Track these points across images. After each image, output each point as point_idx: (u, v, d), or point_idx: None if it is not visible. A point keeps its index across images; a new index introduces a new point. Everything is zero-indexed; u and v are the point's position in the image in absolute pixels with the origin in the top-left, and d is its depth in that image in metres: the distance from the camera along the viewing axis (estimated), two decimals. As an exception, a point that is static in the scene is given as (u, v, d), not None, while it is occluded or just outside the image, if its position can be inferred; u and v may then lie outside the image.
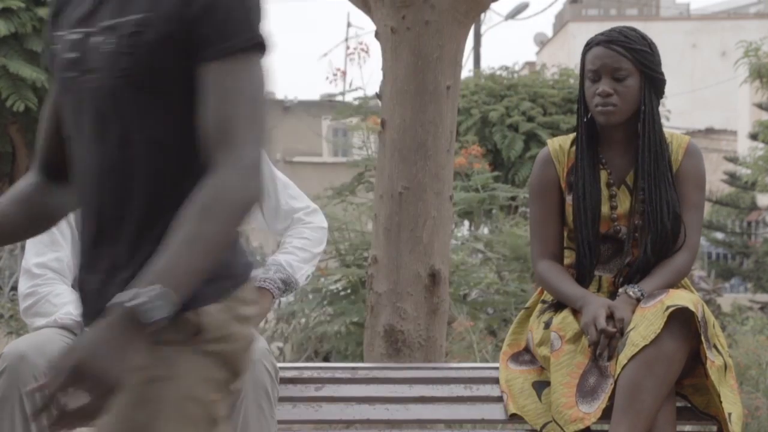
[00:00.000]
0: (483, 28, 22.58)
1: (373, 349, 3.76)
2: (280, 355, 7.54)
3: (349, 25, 27.66)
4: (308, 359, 7.41)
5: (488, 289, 7.50)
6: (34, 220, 1.98)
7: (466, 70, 19.88)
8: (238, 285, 1.77)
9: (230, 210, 1.65)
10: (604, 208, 3.07)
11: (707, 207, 16.09)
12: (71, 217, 2.95)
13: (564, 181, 3.12)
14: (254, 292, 1.82)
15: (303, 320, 7.70)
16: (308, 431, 3.80)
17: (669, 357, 2.80)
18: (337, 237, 7.38)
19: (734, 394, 2.90)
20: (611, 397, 2.80)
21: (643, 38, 3.06)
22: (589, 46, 3.08)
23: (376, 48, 3.96)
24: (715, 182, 17.51)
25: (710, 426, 3.06)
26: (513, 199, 8.91)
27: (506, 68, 14.94)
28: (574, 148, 3.13)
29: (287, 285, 3.08)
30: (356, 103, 9.19)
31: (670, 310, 2.79)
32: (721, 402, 2.83)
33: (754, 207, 18.20)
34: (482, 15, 11.97)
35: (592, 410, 2.80)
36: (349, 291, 7.31)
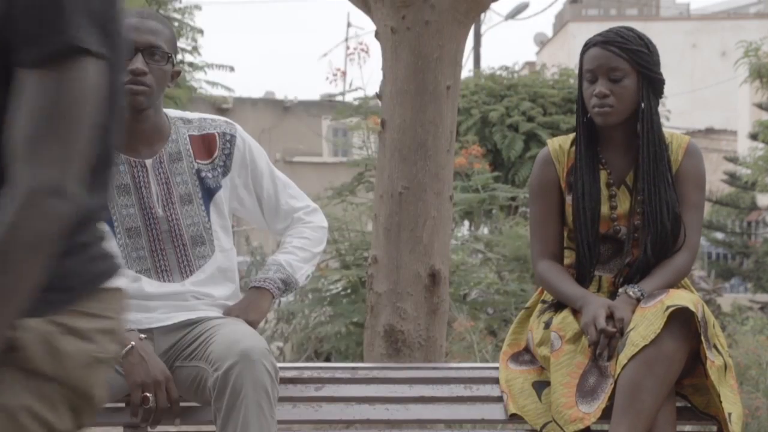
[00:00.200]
0: (483, 28, 22.61)
1: (373, 349, 3.76)
2: (280, 355, 7.55)
3: (349, 25, 27.72)
4: (308, 359, 7.41)
5: (488, 289, 7.50)
6: None
7: (466, 70, 19.92)
8: (75, 297, 1.65)
9: (20, 254, 1.51)
10: (604, 208, 3.07)
11: (707, 207, 16.10)
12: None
13: (564, 181, 3.12)
14: (108, 302, 1.70)
15: (303, 320, 7.71)
16: (308, 431, 3.80)
17: (669, 357, 2.80)
18: (337, 237, 7.38)
19: (734, 394, 2.90)
20: (611, 397, 2.80)
21: (641, 38, 3.06)
22: (586, 46, 3.08)
23: (376, 48, 3.97)
24: (715, 182, 17.51)
25: (710, 426, 3.06)
26: (513, 199, 8.92)
27: (506, 68, 14.94)
28: (574, 148, 3.13)
29: (287, 285, 3.08)
30: (356, 103, 9.20)
31: (670, 310, 2.79)
32: (721, 402, 2.83)
33: (754, 207, 18.20)
34: (482, 15, 11.97)
35: (591, 410, 2.80)
36: (349, 291, 7.32)
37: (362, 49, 8.26)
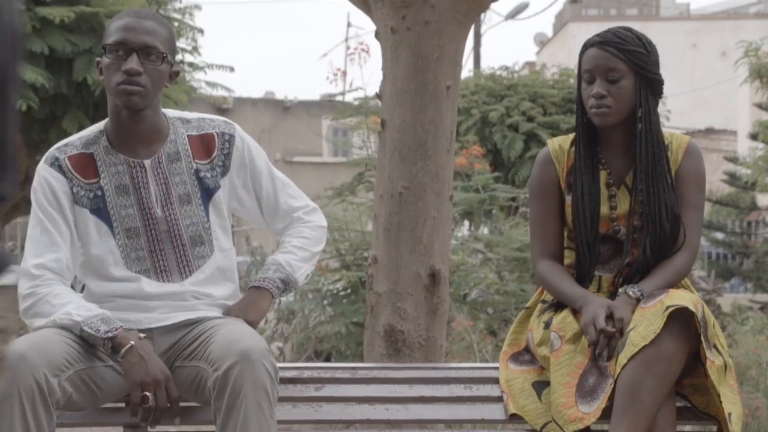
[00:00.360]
0: (483, 28, 22.61)
1: (373, 349, 3.76)
2: (280, 355, 7.55)
3: (349, 25, 27.73)
4: (308, 359, 7.41)
5: (488, 289, 7.51)
6: None
7: (466, 70, 19.92)
8: None
9: None
10: (604, 209, 3.07)
11: (707, 207, 16.11)
12: (70, 217, 2.96)
13: (564, 181, 3.12)
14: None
15: (303, 320, 7.71)
16: (308, 431, 3.80)
17: (669, 357, 2.79)
18: (337, 237, 7.38)
19: (734, 394, 2.90)
20: (611, 397, 2.80)
21: (639, 39, 3.05)
22: (585, 47, 3.08)
23: (376, 48, 3.97)
24: (715, 182, 17.52)
25: (710, 426, 3.05)
26: (513, 199, 8.92)
27: (506, 68, 14.93)
28: (573, 148, 3.13)
29: (287, 284, 3.07)
30: (356, 103, 9.19)
31: (670, 310, 2.79)
32: (721, 402, 2.83)
33: (754, 207, 18.22)
34: (482, 15, 11.97)
35: (591, 410, 2.80)
36: (349, 291, 7.32)
37: (362, 49, 8.26)
